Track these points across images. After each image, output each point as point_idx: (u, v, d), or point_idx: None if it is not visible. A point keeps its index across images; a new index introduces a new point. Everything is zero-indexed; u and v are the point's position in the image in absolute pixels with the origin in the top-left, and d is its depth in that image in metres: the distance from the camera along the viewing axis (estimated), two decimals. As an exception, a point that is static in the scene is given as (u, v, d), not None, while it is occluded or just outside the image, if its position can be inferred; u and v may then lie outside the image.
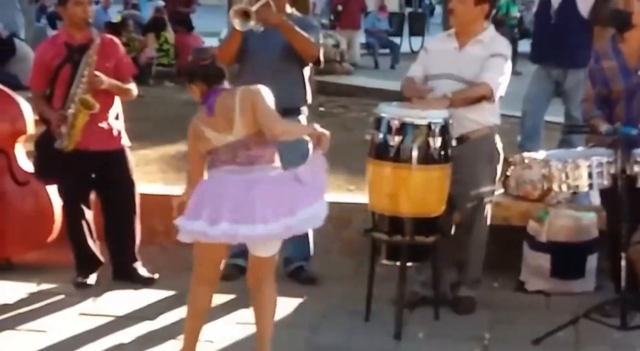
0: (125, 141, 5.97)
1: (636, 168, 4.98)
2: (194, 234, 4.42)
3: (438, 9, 24.65)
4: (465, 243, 5.53)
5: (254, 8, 5.53)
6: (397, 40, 20.33)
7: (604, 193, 5.43)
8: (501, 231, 5.88)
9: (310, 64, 6.00)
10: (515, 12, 19.26)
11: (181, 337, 5.12)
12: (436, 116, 5.10)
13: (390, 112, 5.14)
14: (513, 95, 7.84)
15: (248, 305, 5.57)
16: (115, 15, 18.29)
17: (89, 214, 5.97)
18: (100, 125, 5.78)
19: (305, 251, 6.07)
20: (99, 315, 5.49)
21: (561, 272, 5.82)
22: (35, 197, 6.17)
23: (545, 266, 5.83)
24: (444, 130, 5.11)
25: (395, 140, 5.05)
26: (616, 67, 5.34)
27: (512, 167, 6.17)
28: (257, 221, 4.26)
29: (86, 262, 5.98)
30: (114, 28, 13.95)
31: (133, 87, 5.99)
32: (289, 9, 5.90)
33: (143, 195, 6.14)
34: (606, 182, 5.07)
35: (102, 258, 6.03)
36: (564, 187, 5.18)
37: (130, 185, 5.97)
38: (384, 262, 5.38)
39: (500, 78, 5.32)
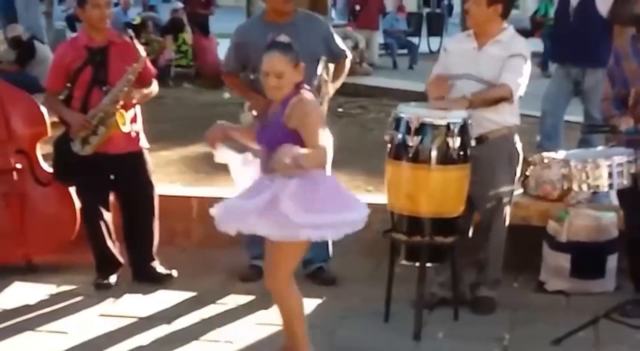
0: (143, 143, 5.99)
1: (656, 168, 4.96)
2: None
3: (456, 9, 24.59)
4: (484, 244, 5.52)
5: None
6: (415, 40, 20.28)
7: (620, 192, 5.40)
8: (521, 231, 5.86)
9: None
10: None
11: (200, 337, 5.15)
12: (455, 116, 5.09)
13: (409, 112, 5.13)
14: (532, 94, 7.82)
15: (267, 306, 5.60)
16: (135, 16, 18.34)
17: (107, 216, 5.98)
18: (119, 127, 5.80)
19: (325, 252, 6.07)
20: (119, 316, 5.50)
21: (581, 272, 5.79)
22: (57, 198, 6.20)
23: (565, 267, 5.81)
24: (463, 130, 5.09)
25: (414, 140, 5.03)
26: (636, 67, 5.31)
27: (531, 167, 6.17)
28: None
29: (106, 263, 6.00)
30: (134, 29, 14.00)
31: (155, 87, 6.01)
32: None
33: (162, 197, 6.15)
34: (626, 182, 5.06)
35: (121, 260, 6.04)
36: (584, 187, 5.16)
37: (149, 186, 5.99)
38: (403, 262, 5.37)
39: (520, 79, 5.30)
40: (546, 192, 6.06)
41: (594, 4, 7.41)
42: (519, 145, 5.54)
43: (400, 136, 5.08)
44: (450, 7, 28.54)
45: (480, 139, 5.26)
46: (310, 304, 5.67)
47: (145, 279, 5.96)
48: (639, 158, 4.96)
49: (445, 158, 5.05)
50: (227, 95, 11.53)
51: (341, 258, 6.18)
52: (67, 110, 5.83)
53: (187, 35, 15.48)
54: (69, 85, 5.85)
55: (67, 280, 6.01)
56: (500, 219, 5.49)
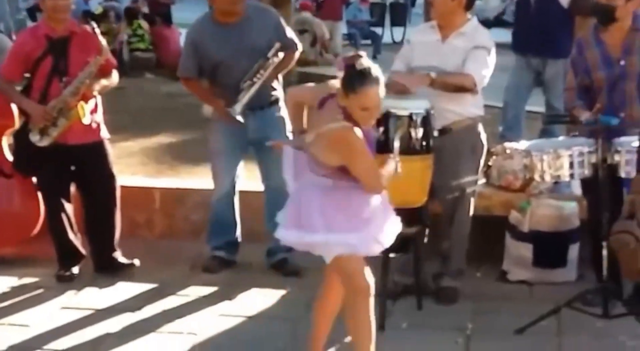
0: (104, 133, 5.95)
1: (617, 158, 5.01)
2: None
3: (419, 0, 24.64)
4: (447, 234, 5.54)
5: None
6: (378, 30, 20.32)
7: (585, 182, 5.45)
8: (483, 221, 5.89)
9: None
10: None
11: (163, 329, 5.14)
12: (418, 107, 5.11)
13: (371, 103, 5.13)
14: (494, 85, 7.85)
15: (230, 297, 5.62)
16: (96, 6, 18.19)
17: (69, 207, 5.95)
18: (79, 118, 5.76)
19: (288, 243, 6.06)
20: (81, 308, 5.48)
21: (543, 262, 5.84)
22: (19, 191, 6.15)
23: (527, 256, 5.85)
24: (426, 120, 5.12)
25: (377, 130, 5.03)
26: (598, 57, 5.35)
27: (493, 157, 6.19)
28: None
29: (68, 255, 5.96)
30: (93, 19, 13.89)
31: (115, 78, 5.98)
32: None
33: (124, 188, 6.12)
34: (587, 172, 5.10)
35: (83, 251, 6.01)
36: (546, 177, 5.21)
37: (110, 177, 5.95)
38: (367, 252, 5.37)
39: (484, 70, 5.33)
40: (508, 182, 6.08)
41: (555, -5, 7.46)
42: (483, 136, 5.57)
43: (363, 126, 5.09)
44: (413, -2, 28.57)
45: (444, 130, 5.28)
46: (274, 295, 5.70)
47: (107, 270, 5.94)
48: (599, 148, 5.00)
49: (408, 149, 5.05)
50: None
51: (305, 248, 6.18)
52: (26, 101, 5.78)
53: (143, 22, 15.34)
54: (28, 75, 5.80)
55: (29, 272, 5.98)
56: (463, 209, 5.52)
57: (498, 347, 4.96)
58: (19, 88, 5.91)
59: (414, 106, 5.12)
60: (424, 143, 5.12)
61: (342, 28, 19.38)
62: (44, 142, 5.69)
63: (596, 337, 5.03)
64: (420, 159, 5.15)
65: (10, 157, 6.15)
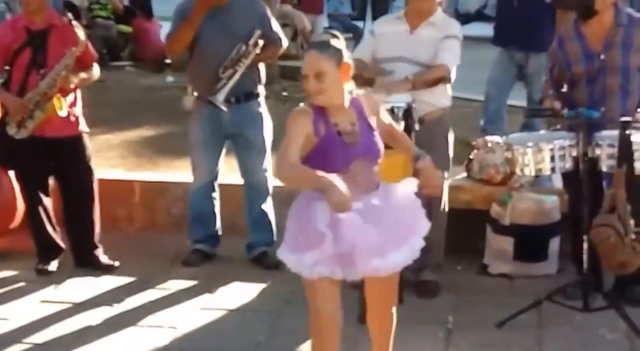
0: (83, 127, 5.93)
1: (598, 151, 5.04)
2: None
3: (401, -7, 24.60)
4: None
5: None
6: (360, 24, 20.29)
7: (566, 176, 5.48)
8: (464, 215, 5.93)
9: None
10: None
11: (143, 323, 5.15)
12: (399, 100, 5.13)
13: (353, 96, 5.14)
14: (475, 79, 7.91)
15: (211, 290, 5.62)
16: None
17: (47, 201, 5.93)
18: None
19: (269, 236, 6.08)
20: (61, 302, 5.48)
21: (524, 255, 5.86)
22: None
23: (508, 250, 5.87)
24: (407, 114, 5.13)
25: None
26: (579, 50, 5.38)
27: (475, 151, 6.25)
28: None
29: (47, 249, 5.95)
30: (73, 10, 13.78)
31: (95, 72, 5.96)
32: None
33: (104, 181, 6.12)
34: (568, 165, 5.12)
35: (62, 245, 6.00)
36: (527, 170, 5.23)
37: (87, 171, 5.92)
38: (348, 246, 5.38)
39: (456, 59, 5.39)
40: (490, 175, 6.13)
41: (538, -12, 7.49)
42: (450, 129, 5.58)
43: (344, 120, 5.09)
44: (394, -9, 28.56)
45: (418, 121, 5.29)
46: (254, 289, 5.70)
47: (88, 266, 5.93)
48: (580, 141, 5.03)
49: (389, 142, 5.07)
50: (169, 78, 11.46)
51: (285, 242, 6.18)
52: (4, 93, 5.76)
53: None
54: (8, 67, 5.78)
55: (8, 266, 5.97)
56: (439, 202, 5.53)
57: (479, 340, 4.98)
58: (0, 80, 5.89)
59: (395, 99, 5.12)
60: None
61: (324, 22, 19.37)
62: (21, 135, 5.67)
63: (576, 330, 5.06)
64: (400, 152, 5.14)
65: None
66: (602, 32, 5.34)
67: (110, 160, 7.74)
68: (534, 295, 5.26)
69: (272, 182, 5.99)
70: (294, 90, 11.34)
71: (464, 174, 6.26)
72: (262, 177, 6.03)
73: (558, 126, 5.43)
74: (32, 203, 5.90)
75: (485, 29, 9.52)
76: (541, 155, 5.14)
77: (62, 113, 5.68)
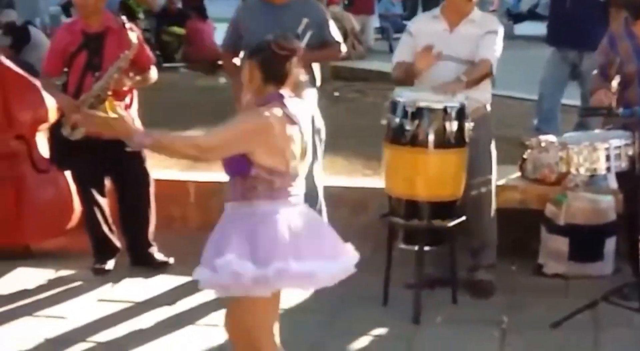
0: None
1: (653, 150, 4.97)
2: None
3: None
4: (476, 228, 5.52)
5: None
6: (411, 24, 20.23)
7: (621, 175, 5.41)
8: (518, 214, 5.88)
9: None
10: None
11: (199, 322, 5.17)
12: (452, 100, 5.09)
13: (406, 96, 5.13)
14: (528, 78, 7.83)
15: (266, 290, 5.62)
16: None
17: (103, 201, 5.98)
18: (112, 113, 5.78)
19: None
20: (117, 301, 5.52)
21: (579, 255, 5.80)
22: (54, 185, 6.19)
23: (563, 250, 5.82)
24: (460, 113, 5.09)
25: (411, 124, 5.03)
26: (630, 50, 5.31)
27: (529, 151, 6.16)
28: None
29: (103, 249, 6.00)
30: (129, 10, 13.85)
31: (153, 74, 5.99)
32: None
33: (159, 181, 6.16)
34: (624, 165, 5.05)
35: (119, 245, 6.05)
36: (582, 170, 5.16)
37: (143, 172, 5.98)
38: (401, 246, 5.37)
39: (497, 54, 5.37)
40: (544, 175, 6.05)
41: (591, -13, 7.41)
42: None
43: (397, 120, 5.08)
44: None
45: None
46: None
47: (143, 265, 5.97)
48: (636, 140, 4.96)
49: (443, 142, 5.05)
50: (223, 80, 11.49)
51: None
52: (60, 95, 5.83)
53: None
54: (66, 70, 5.84)
55: (66, 265, 6.02)
56: (489, 200, 5.51)
57: (534, 341, 4.94)
58: (58, 82, 5.95)
59: (448, 99, 5.09)
60: (459, 136, 5.09)
61: (375, 22, 19.33)
62: (75, 136, 5.71)
63: (633, 331, 5.00)
64: (454, 152, 5.13)
65: (45, 152, 6.19)
66: None
67: (165, 160, 7.76)
68: (589, 295, 5.19)
69: (323, 181, 6.00)
70: (345, 90, 11.37)
71: (518, 174, 6.21)
72: (313, 177, 6.01)
73: (612, 125, 5.37)
74: (88, 203, 5.95)
75: (538, 28, 9.46)
76: (596, 155, 5.07)
77: (114, 115, 5.70)
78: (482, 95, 5.41)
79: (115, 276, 5.86)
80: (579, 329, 5.02)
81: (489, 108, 5.52)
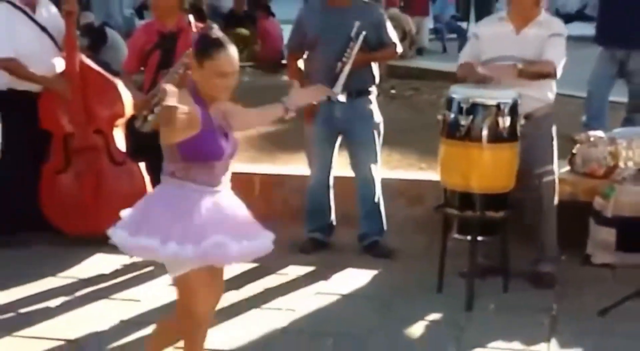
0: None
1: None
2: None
3: (503, -5, 24.28)
4: (537, 222, 5.46)
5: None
6: (464, 25, 20.08)
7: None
8: (568, 207, 5.78)
9: None
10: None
11: (264, 306, 5.19)
12: (505, 96, 5.05)
13: (461, 93, 5.09)
14: (577, 76, 7.71)
15: (326, 277, 5.63)
16: None
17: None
18: (181, 107, 5.81)
19: (379, 226, 6.05)
20: (187, 285, 5.54)
21: (626, 246, 5.71)
22: (130, 176, 6.21)
23: (610, 240, 5.73)
24: (513, 109, 5.04)
25: (466, 120, 4.99)
26: None
27: (578, 145, 6.09)
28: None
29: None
30: (199, 11, 13.88)
31: None
32: None
33: (228, 173, 6.16)
34: (670, 159, 4.97)
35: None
36: (630, 164, 5.10)
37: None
38: (455, 236, 5.33)
39: (562, 56, 5.27)
40: (592, 169, 5.98)
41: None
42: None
43: (452, 116, 5.05)
44: (497, -7, 28.21)
45: (525, 117, 5.19)
46: (366, 276, 5.69)
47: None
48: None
49: (496, 137, 5.01)
50: (286, 78, 11.49)
51: (395, 232, 6.15)
52: (134, 91, 5.89)
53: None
54: (142, 68, 5.90)
55: (139, 252, 6.06)
56: (553, 197, 5.43)
57: (583, 328, 4.87)
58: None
59: (501, 95, 5.04)
60: (511, 131, 5.04)
61: (429, 23, 19.23)
62: (145, 128, 5.72)
63: (679, 319, 4.91)
64: (507, 147, 5.09)
65: (121, 146, 6.24)
66: None
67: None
68: (636, 284, 5.11)
69: (380, 174, 5.98)
70: (401, 87, 11.30)
71: (567, 168, 6.12)
72: (372, 170, 6.00)
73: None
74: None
75: (586, 29, 9.34)
76: (644, 149, 5.00)
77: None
78: (544, 95, 5.33)
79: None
80: (626, 316, 4.94)
81: (552, 108, 5.42)
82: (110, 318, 5.04)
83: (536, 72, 5.20)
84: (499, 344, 4.71)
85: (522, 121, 5.08)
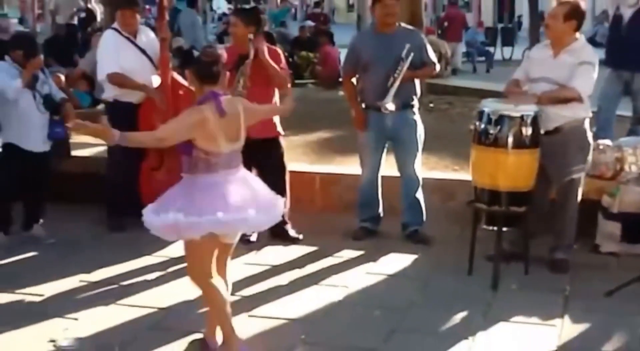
0: (279, 130, 6.02)
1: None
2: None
3: (525, 24, 23.99)
4: (560, 215, 5.38)
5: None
6: (491, 49, 19.91)
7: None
8: (580, 203, 5.70)
9: None
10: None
11: (323, 282, 5.19)
12: (528, 109, 5.02)
13: (490, 106, 5.09)
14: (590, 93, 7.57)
15: (375, 259, 5.63)
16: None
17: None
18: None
19: (420, 217, 6.03)
20: (259, 264, 5.58)
21: (630, 237, 5.62)
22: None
23: (616, 233, 5.65)
24: (534, 121, 5.02)
25: (494, 129, 4.97)
26: None
27: (589, 152, 5.99)
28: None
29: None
30: (270, 39, 13.93)
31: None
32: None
33: (292, 173, 6.18)
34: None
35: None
36: (634, 168, 5.03)
37: (281, 165, 6.01)
38: (484, 227, 5.30)
39: (588, 82, 5.19)
40: (601, 172, 5.90)
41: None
42: (589, 134, 5.36)
43: (482, 126, 5.03)
44: (519, 23, 27.91)
45: (556, 130, 5.17)
46: (407, 259, 5.67)
47: (280, 238, 6.01)
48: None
49: (520, 144, 4.99)
50: (342, 93, 11.50)
51: (432, 223, 6.12)
52: None
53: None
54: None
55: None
56: (573, 194, 5.35)
57: (591, 307, 4.80)
58: None
59: (525, 109, 5.02)
60: (533, 139, 5.01)
61: (462, 48, 19.10)
62: None
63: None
64: (529, 152, 5.06)
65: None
66: None
67: (296, 156, 7.84)
68: (637, 270, 5.03)
69: (421, 174, 5.96)
70: (438, 102, 11.24)
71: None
72: (414, 170, 5.98)
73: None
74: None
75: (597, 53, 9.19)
76: (646, 156, 4.92)
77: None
78: (574, 113, 5.21)
79: (257, 245, 5.91)
80: (629, 297, 4.86)
81: (582, 123, 5.29)
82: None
83: (557, 97, 5.14)
84: (519, 318, 4.67)
85: (542, 131, 5.02)
